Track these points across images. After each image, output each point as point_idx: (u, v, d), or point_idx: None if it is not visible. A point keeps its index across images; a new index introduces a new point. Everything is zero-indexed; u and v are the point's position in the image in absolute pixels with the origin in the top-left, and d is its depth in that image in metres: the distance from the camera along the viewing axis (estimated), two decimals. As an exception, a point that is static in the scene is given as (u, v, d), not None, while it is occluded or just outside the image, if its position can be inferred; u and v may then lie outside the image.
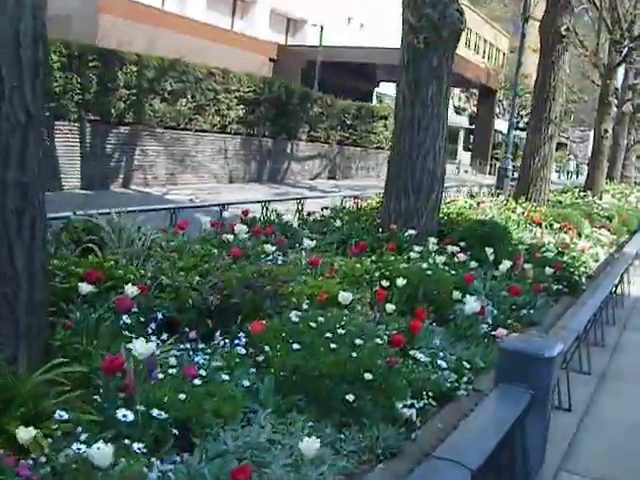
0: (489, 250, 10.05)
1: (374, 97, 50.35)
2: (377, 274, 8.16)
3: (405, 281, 7.55)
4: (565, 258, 11.74)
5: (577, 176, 56.09)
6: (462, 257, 9.30)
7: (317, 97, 26.07)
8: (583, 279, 11.64)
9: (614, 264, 11.71)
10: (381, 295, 6.87)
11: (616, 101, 39.91)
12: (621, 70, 40.45)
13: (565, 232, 14.98)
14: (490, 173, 47.80)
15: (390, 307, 6.74)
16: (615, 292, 10.56)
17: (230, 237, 8.75)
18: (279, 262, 8.21)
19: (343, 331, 5.43)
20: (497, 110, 67.44)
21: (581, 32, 33.43)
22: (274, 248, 8.52)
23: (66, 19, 34.47)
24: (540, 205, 17.49)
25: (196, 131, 21.37)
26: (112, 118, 18.66)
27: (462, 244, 10.79)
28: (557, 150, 79.16)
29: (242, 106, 22.73)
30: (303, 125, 25.48)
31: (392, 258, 8.71)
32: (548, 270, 10.23)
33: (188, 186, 20.73)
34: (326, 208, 12.84)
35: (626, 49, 31.08)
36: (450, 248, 9.84)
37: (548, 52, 17.72)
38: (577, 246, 12.96)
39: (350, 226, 11.03)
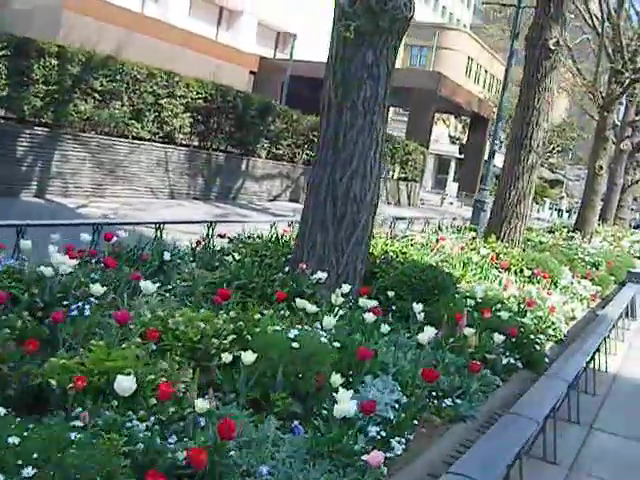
0: (417, 307, 7.37)
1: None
2: (229, 339, 5.54)
3: (255, 357, 4.93)
4: (526, 319, 9.06)
5: (569, 215, 53.53)
6: (370, 317, 6.59)
7: (281, 111, 23.44)
8: (546, 348, 8.97)
9: (590, 330, 9.02)
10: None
11: (614, 137, 37.54)
12: (621, 105, 38.14)
13: (537, 281, 12.33)
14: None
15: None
16: (587, 368, 7.90)
17: (49, 270, 6.06)
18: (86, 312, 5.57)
19: None
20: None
21: (577, 55, 30.98)
22: (103, 289, 5.86)
23: (28, 13, 31.95)
24: (514, 246, 14.84)
25: (133, 138, 18.71)
26: (26, 116, 16.01)
27: (390, 295, 8.16)
28: (552, 188, 76.46)
29: (189, 114, 20.10)
30: (263, 140, 22.84)
31: (259, 316, 6.05)
32: (498, 337, 7.52)
33: (119, 199, 18.07)
34: (234, 238, 10.16)
35: (627, 80, 28.57)
36: (363, 302, 7.15)
37: (533, 69, 15.16)
38: (547, 302, 10.26)
39: (244, 263, 8.32)
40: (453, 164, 59.51)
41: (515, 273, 12.77)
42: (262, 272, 8.10)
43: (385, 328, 6.57)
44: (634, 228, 44.29)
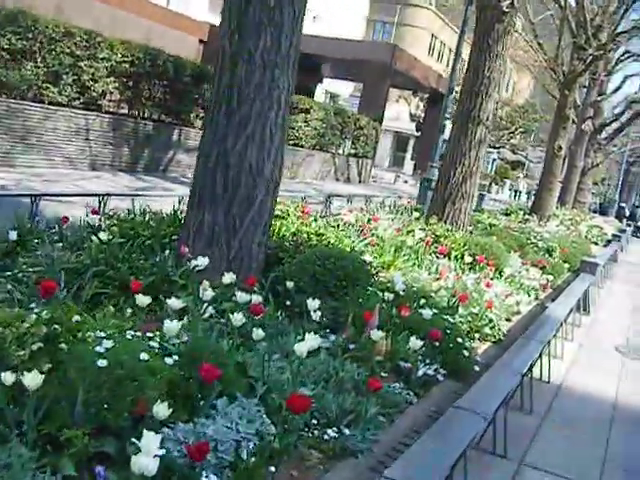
0: (313, 304, 5.86)
1: (321, 96, 46.16)
2: (34, 348, 4.05)
3: (41, 378, 3.44)
4: (458, 317, 7.59)
5: (528, 197, 52.45)
6: (238, 318, 5.07)
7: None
8: (481, 350, 7.56)
9: (533, 331, 7.57)
10: None
11: (575, 118, 36.36)
12: (584, 87, 36.92)
13: (480, 269, 10.90)
14: (434, 186, 43.99)
15: None
16: (525, 377, 6.47)
17: None
18: None
19: None
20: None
21: (541, 33, 29.58)
22: None
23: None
24: (458, 229, 13.40)
25: (49, 103, 16.90)
26: None
27: (289, 286, 6.66)
28: (514, 169, 75.52)
29: (114, 79, 18.30)
30: (197, 109, 21.09)
31: (78, 317, 4.51)
32: (415, 342, 6.04)
33: (31, 170, 16.31)
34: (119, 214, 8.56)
35: (590, 57, 27.27)
36: (242, 297, 5.63)
37: (483, 33, 13.71)
38: (486, 295, 8.81)
39: (110, 245, 6.73)
40: (412, 142, 58.04)
41: (456, 259, 11.33)
42: (130, 257, 6.52)
43: (259, 333, 5.02)
44: (593, 212, 43.26)
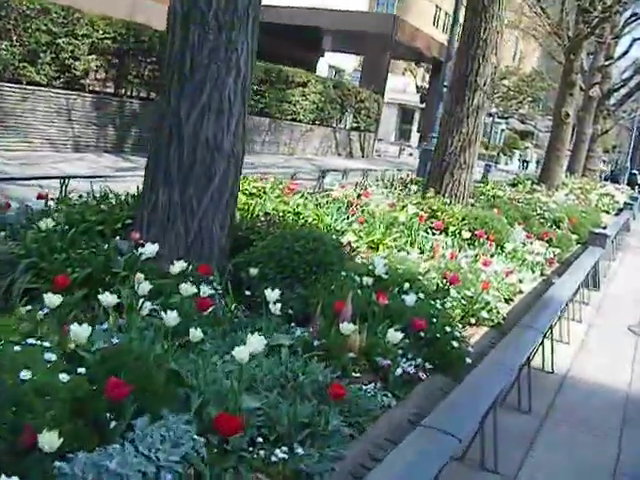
0: (272, 294, 5.07)
1: (325, 70, 45.11)
2: None
3: None
4: (446, 303, 6.78)
5: (537, 166, 51.28)
6: (171, 317, 4.27)
7: (208, 52, 20.80)
8: (477, 337, 6.74)
9: (535, 313, 6.74)
10: None
11: (582, 84, 35.24)
12: (590, 55, 35.76)
13: (480, 245, 10.07)
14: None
15: None
16: (524, 368, 5.69)
17: None
18: None
19: None
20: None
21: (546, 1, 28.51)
22: None
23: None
24: (457, 201, 12.55)
25: (27, 84, 16.08)
26: None
27: (253, 273, 5.86)
28: (523, 139, 74.21)
29: (96, 57, 17.43)
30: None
31: None
32: (394, 334, 5.24)
33: (8, 153, 15.52)
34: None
35: (596, 20, 26.19)
36: (185, 288, 4.83)
37: (480, -9, 12.72)
38: (483, 274, 7.97)
39: (48, 233, 5.93)
40: (417, 115, 56.91)
41: (453, 235, 10.49)
42: (71, 245, 5.72)
43: (196, 334, 4.22)
44: (604, 180, 42.18)
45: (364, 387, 4.97)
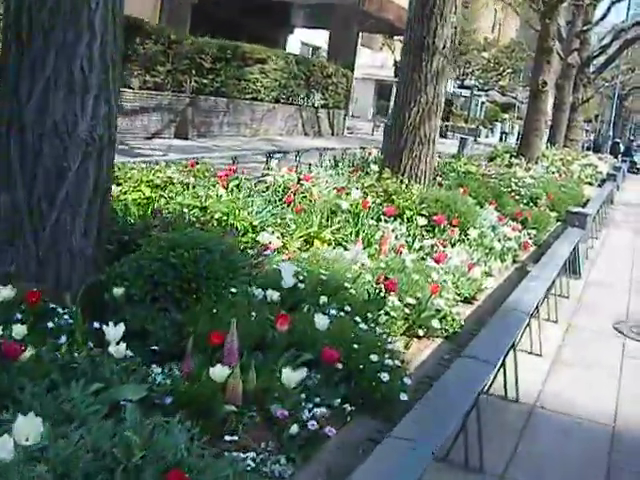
0: (113, 331, 3.58)
1: (297, 48, 43.31)
2: None
3: None
4: (380, 317, 5.32)
5: (517, 138, 49.77)
6: None
7: (152, 30, 19.10)
8: (408, 371, 5.27)
9: (501, 318, 5.31)
10: None
11: (561, 51, 33.76)
12: (569, 24, 34.24)
13: (441, 232, 8.63)
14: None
15: None
16: (484, 392, 4.26)
17: None
18: None
19: None
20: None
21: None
22: None
23: None
24: (418, 182, 11.08)
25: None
26: None
27: (116, 294, 4.36)
28: (505, 112, 72.97)
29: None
30: (131, 67, 18.56)
31: None
32: (290, 375, 3.80)
33: None
34: None
35: (571, -20, 24.69)
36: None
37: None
38: (432, 274, 6.51)
39: None
40: (395, 90, 55.14)
41: (410, 222, 9.02)
42: None
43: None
44: (587, 150, 40.78)
45: (244, 455, 3.52)
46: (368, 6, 31.42)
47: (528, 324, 5.98)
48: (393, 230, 8.52)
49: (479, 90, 69.29)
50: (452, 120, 51.76)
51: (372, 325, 4.93)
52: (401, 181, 10.57)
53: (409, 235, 8.45)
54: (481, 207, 11.21)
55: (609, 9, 34.96)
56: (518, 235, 10.50)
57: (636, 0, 66.27)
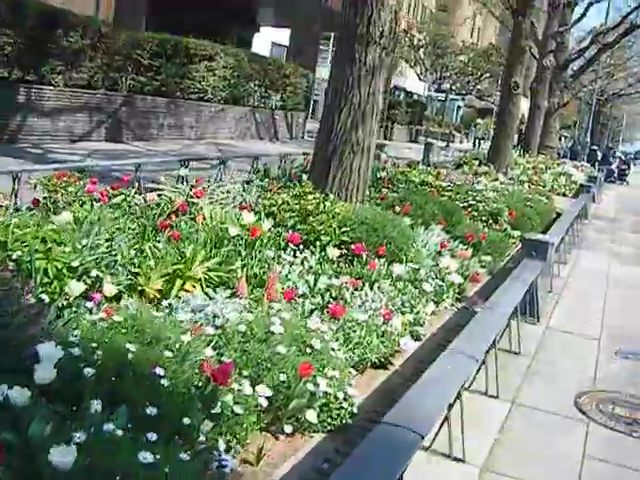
0: None
1: (265, 48, 41.28)
2: None
3: None
4: (205, 427, 3.35)
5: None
6: None
7: (77, 20, 17.03)
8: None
9: (414, 400, 3.41)
10: None
11: (535, 52, 32.06)
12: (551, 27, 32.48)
13: (361, 265, 6.73)
14: (386, 137, 39.34)
15: None
16: None
17: None
18: None
19: None
20: (418, 70, 59.47)
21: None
22: None
23: None
24: (349, 197, 9.19)
25: None
26: None
27: None
28: (483, 117, 71.53)
29: None
30: (53, 62, 16.46)
31: None
32: None
33: None
34: None
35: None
36: None
37: None
38: (312, 341, 4.58)
39: None
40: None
41: (321, 252, 7.10)
42: None
43: None
44: (563, 157, 39.08)
45: None
46: (333, 2, 29.53)
47: (452, 405, 4.10)
48: (301, 262, 6.64)
49: (456, 94, 67.73)
50: (425, 124, 49.97)
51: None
52: (325, 197, 8.63)
53: (313, 272, 6.53)
54: (426, 228, 9.37)
55: (586, 10, 33.34)
56: (467, 264, 8.62)
57: (617, 5, 65.02)
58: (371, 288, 6.38)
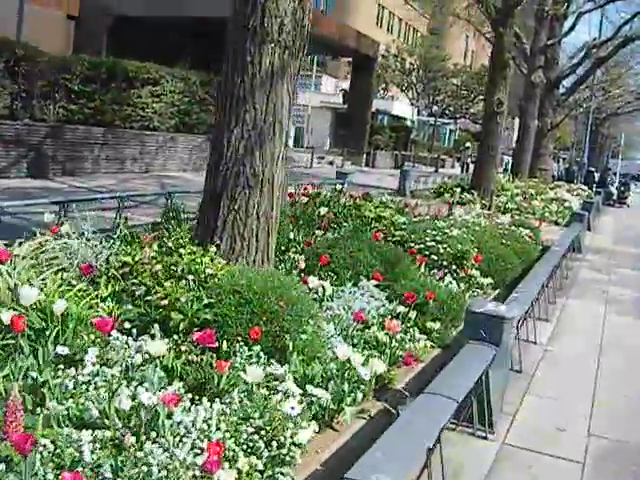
0: None
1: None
2: None
3: None
4: None
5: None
6: None
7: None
8: None
9: None
10: None
11: (523, 68, 29.89)
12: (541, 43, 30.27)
13: (208, 369, 4.21)
14: (368, 164, 37.01)
15: None
16: None
17: None
18: None
19: None
20: (410, 94, 57.56)
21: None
22: None
23: None
24: (242, 253, 6.79)
25: None
26: None
27: None
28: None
29: None
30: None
31: None
32: None
33: None
34: None
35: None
36: None
37: None
38: None
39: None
40: (330, 115, 51.07)
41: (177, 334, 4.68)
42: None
43: None
44: (558, 180, 36.67)
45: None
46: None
47: None
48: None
49: (450, 118, 65.71)
50: (414, 150, 47.65)
51: None
52: (203, 252, 6.22)
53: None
54: (355, 285, 6.98)
55: (576, 21, 31.12)
56: (401, 338, 6.18)
57: (610, 18, 63.07)
58: (211, 404, 3.95)
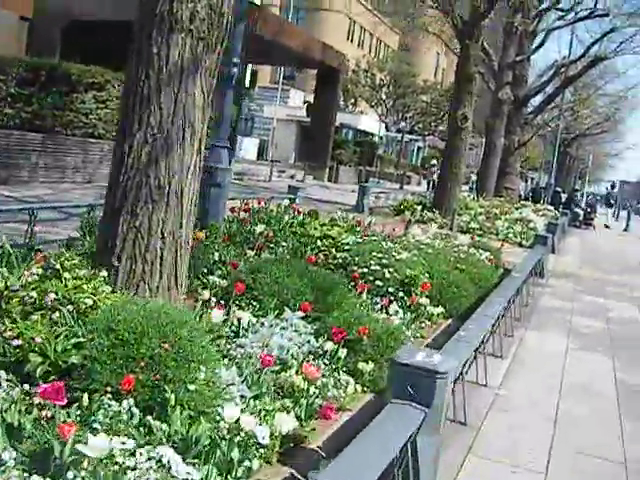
0: None
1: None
2: None
3: None
4: None
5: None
6: None
7: None
8: None
9: None
10: None
11: (491, 85, 29.23)
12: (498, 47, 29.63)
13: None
14: (331, 179, 36.11)
15: None
16: None
17: None
18: None
19: None
20: (379, 110, 56.89)
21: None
22: None
23: None
24: (151, 274, 5.72)
25: None
26: None
27: None
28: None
29: None
30: None
31: None
32: None
33: None
34: None
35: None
36: None
37: None
38: None
39: None
40: (295, 129, 50.29)
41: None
42: None
43: None
44: (525, 199, 36.00)
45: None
46: (265, 30, 26.42)
47: None
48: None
49: (418, 135, 65.12)
50: (380, 166, 46.81)
51: None
52: (91, 278, 5.19)
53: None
54: (279, 316, 5.98)
55: (546, 37, 30.54)
56: (323, 384, 5.17)
57: (581, 38, 62.91)
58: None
